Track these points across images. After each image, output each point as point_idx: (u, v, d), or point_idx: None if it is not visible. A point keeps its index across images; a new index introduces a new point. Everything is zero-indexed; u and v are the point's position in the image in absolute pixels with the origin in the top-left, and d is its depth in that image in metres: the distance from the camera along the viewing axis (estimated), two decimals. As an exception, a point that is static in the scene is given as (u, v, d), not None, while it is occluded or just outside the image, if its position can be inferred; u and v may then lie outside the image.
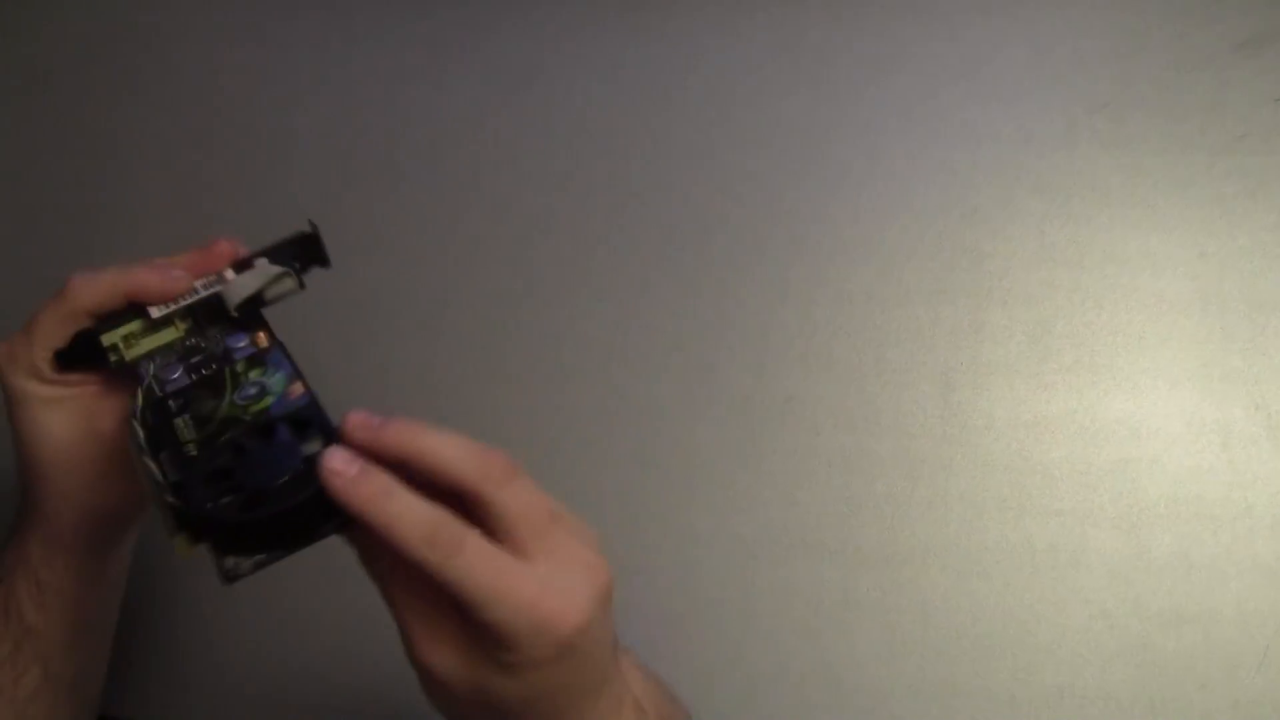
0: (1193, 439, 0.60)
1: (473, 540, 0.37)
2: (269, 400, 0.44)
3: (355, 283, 0.69)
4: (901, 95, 0.67)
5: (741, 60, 0.69)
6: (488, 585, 0.37)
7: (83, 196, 0.73)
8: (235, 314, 0.48)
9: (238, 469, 0.41)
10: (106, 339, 0.48)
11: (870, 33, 0.68)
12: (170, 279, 0.48)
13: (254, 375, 0.46)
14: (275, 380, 0.46)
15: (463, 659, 0.38)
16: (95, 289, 0.47)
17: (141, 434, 0.43)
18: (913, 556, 0.60)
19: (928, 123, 0.66)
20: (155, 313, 0.48)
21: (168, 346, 0.48)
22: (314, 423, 0.42)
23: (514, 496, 0.38)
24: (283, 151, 0.72)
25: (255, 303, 0.49)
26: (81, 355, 0.48)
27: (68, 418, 0.49)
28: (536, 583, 0.37)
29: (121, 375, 0.47)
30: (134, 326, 0.48)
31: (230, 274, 0.49)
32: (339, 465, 0.38)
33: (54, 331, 0.47)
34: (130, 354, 0.48)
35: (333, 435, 0.40)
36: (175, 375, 0.47)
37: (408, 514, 0.37)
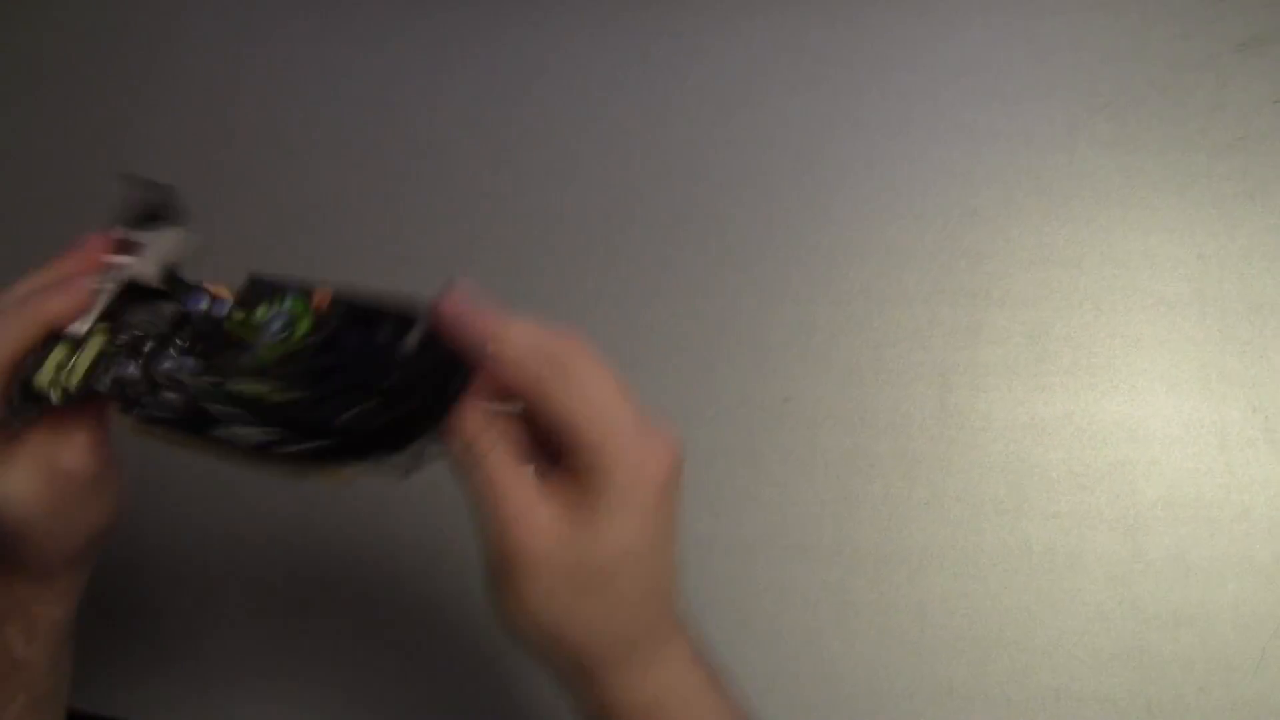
0: (1190, 441, 0.60)
1: (582, 365, 0.39)
2: (307, 321, 0.44)
3: (355, 283, 0.69)
4: (901, 96, 0.67)
5: (741, 61, 0.69)
6: (598, 408, 0.38)
7: (81, 195, 0.73)
8: (164, 287, 0.47)
9: (339, 387, 0.41)
10: (40, 382, 0.45)
11: (870, 33, 0.68)
12: (77, 292, 0.45)
13: (261, 315, 0.45)
14: (289, 305, 0.45)
15: (562, 519, 0.38)
16: (7, 339, 0.44)
17: (219, 409, 0.42)
18: (910, 557, 0.60)
19: (927, 123, 0.66)
20: (77, 329, 0.45)
21: (109, 352, 0.46)
22: (373, 316, 0.43)
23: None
24: (282, 150, 0.72)
25: (172, 270, 0.47)
26: (27, 405, 0.45)
27: (28, 470, 0.46)
28: (637, 415, 0.38)
29: (79, 403, 0.45)
30: (60, 354, 0.45)
31: (123, 259, 0.46)
32: (454, 306, 0.40)
33: None
34: (74, 380, 0.45)
35: (406, 313, 0.42)
36: (167, 364, 0.45)
37: (524, 338, 0.39)
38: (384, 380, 0.40)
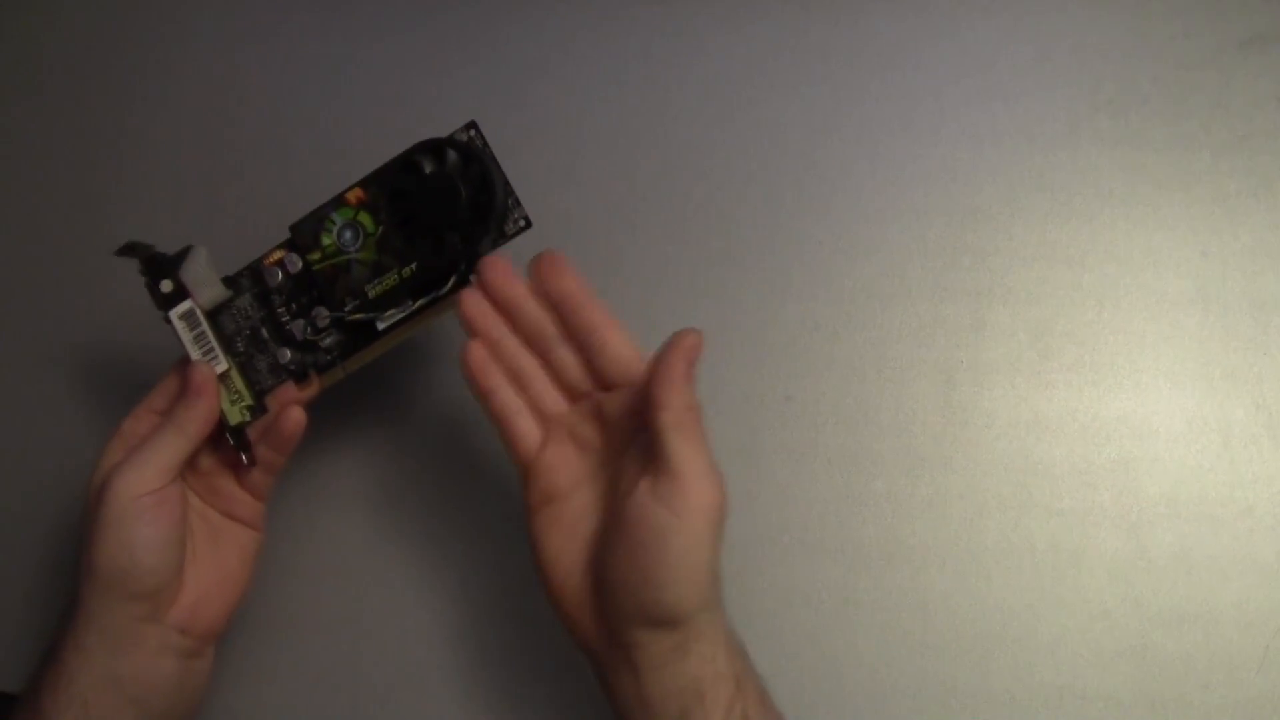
0: (1194, 438, 0.60)
1: None
2: (365, 216, 0.52)
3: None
4: (904, 94, 0.67)
5: (742, 58, 0.69)
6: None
7: (80, 198, 0.72)
8: (231, 290, 0.54)
9: (440, 232, 0.51)
10: (233, 418, 0.53)
11: (872, 31, 0.68)
12: (206, 377, 0.51)
13: (328, 243, 0.51)
14: (339, 218, 0.52)
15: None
16: (187, 440, 0.50)
17: (376, 315, 0.52)
18: (912, 555, 0.60)
19: (929, 121, 0.66)
20: (220, 366, 0.52)
21: (245, 363, 0.53)
22: (401, 171, 0.51)
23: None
24: (282, 152, 0.72)
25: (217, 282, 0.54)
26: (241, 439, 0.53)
27: (170, 538, 0.50)
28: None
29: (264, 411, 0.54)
30: (225, 395, 0.52)
31: (187, 302, 0.52)
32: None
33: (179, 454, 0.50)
34: (249, 398, 0.53)
35: (421, 150, 0.51)
36: (302, 324, 0.52)
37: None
38: (459, 200, 0.50)
